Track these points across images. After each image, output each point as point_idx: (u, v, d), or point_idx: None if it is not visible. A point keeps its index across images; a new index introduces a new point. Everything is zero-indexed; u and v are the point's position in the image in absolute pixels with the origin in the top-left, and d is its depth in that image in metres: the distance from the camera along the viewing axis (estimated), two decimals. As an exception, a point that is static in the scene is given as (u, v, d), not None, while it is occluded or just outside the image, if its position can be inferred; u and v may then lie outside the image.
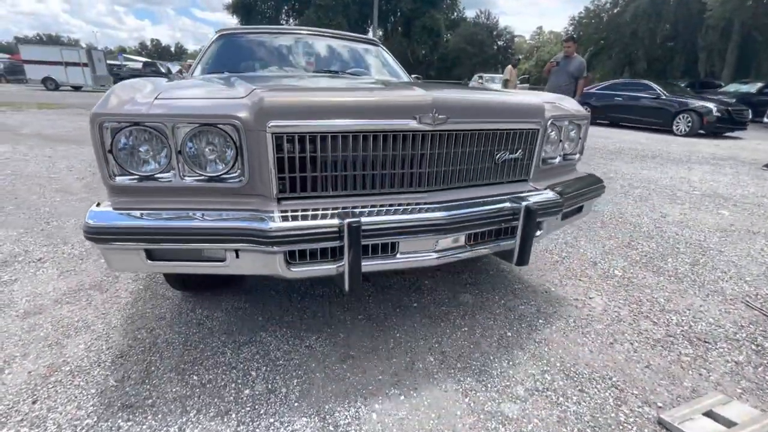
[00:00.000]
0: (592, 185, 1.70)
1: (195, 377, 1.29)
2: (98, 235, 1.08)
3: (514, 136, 1.42)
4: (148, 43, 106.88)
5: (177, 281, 1.68)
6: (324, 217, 1.12)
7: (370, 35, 23.87)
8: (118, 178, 1.12)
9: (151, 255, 1.12)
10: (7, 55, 32.28)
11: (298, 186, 1.18)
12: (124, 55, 41.72)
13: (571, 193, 1.50)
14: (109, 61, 21.89)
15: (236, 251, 1.12)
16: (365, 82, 1.89)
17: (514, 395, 1.26)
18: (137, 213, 1.11)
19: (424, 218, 1.18)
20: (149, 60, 23.40)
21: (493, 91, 1.80)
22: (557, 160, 1.64)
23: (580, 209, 1.69)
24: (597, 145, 6.88)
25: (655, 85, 9.53)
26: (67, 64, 18.11)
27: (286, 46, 2.99)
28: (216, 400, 1.20)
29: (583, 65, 5.45)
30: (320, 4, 20.14)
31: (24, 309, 1.64)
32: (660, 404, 1.23)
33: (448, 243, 1.29)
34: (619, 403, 1.24)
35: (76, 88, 18.65)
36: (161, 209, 1.13)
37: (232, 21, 24.47)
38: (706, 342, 1.56)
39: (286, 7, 24.23)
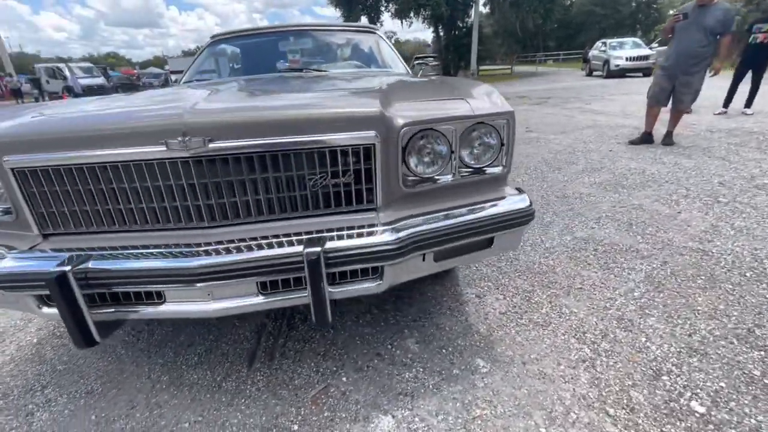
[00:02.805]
0: (501, 214, 1.17)
1: None
2: None
3: (333, 156, 1.04)
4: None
5: None
6: (45, 260, 0.98)
7: (472, 12, 22.06)
8: None
9: None
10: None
11: (65, 223, 1.06)
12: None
13: (432, 230, 1.08)
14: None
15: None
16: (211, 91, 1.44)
17: None
18: None
19: (174, 266, 0.95)
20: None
21: (306, 95, 1.42)
22: (448, 178, 1.18)
23: (488, 243, 1.21)
24: None
25: None
26: (200, 70, 21.00)
27: (271, 46, 2.70)
28: None
29: (728, 15, 3.71)
30: (416, -17, 19.18)
31: None
32: None
33: (231, 291, 1.01)
34: None
35: (208, 91, 21.56)
36: None
37: (335, 14, 25.28)
38: None
39: (386, -7, 23.91)
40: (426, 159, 1.15)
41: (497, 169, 1.23)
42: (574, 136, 5.16)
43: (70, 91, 18.09)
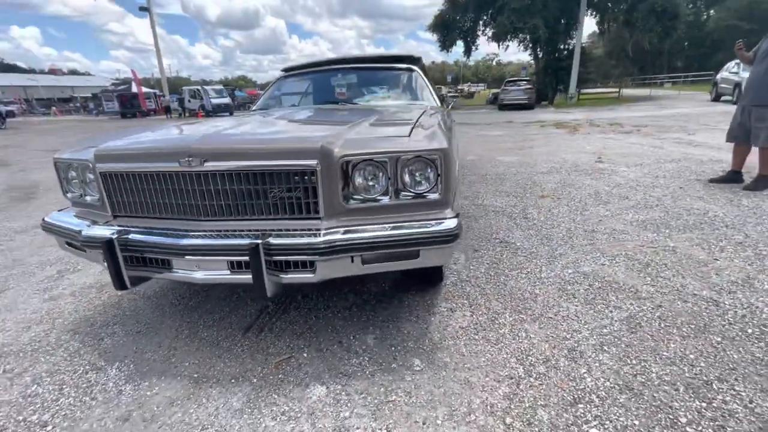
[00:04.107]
0: (424, 233, 1.39)
1: (31, 389, 1.54)
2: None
3: (286, 176, 1.40)
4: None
5: None
6: (107, 230, 1.51)
7: (575, 34, 20.85)
8: (68, 194, 1.82)
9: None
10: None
11: (125, 208, 1.59)
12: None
13: (357, 238, 1.36)
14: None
15: None
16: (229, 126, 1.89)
17: None
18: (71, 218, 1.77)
19: (173, 243, 1.42)
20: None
21: (269, 130, 1.84)
22: (386, 199, 1.45)
23: (415, 254, 1.43)
24: None
25: None
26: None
27: (325, 80, 3.23)
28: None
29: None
30: (514, 8, 18.90)
31: (50, 295, 2.32)
32: None
33: (210, 266, 1.43)
34: None
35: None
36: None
37: (432, 38, 26.24)
38: None
39: (484, 17, 24.06)
40: (370, 183, 1.44)
41: (434, 195, 1.46)
42: (648, 170, 4.77)
43: (204, 109, 21.92)
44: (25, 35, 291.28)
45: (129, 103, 26.51)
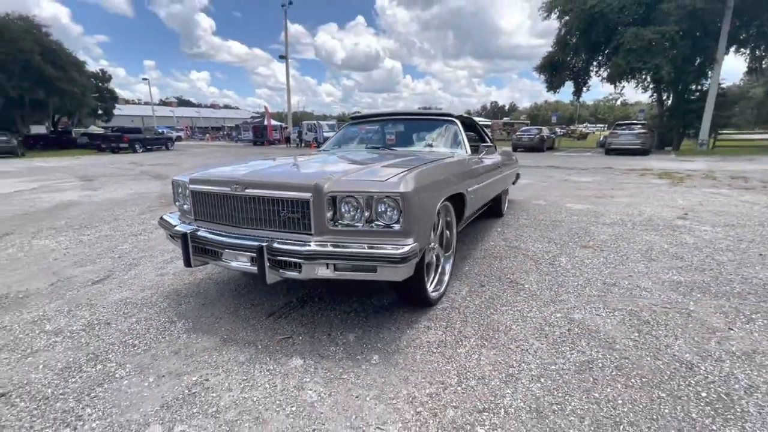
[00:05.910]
0: (378, 253, 1.85)
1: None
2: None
3: (290, 202, 1.98)
4: (488, 105, 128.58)
5: None
6: (186, 227, 2.34)
7: (713, 76, 18.33)
8: (176, 203, 2.58)
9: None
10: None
11: (201, 215, 2.35)
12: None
13: (328, 251, 1.88)
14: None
15: None
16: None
17: None
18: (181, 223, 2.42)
19: (218, 239, 2.14)
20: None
21: (288, 171, 2.47)
22: (360, 226, 1.93)
23: (374, 269, 1.86)
24: None
25: None
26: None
27: (377, 127, 3.88)
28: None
29: None
30: (630, 48, 17.64)
31: (161, 272, 3.30)
32: None
33: (242, 258, 2.09)
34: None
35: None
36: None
37: (539, 78, 25.78)
38: None
39: (599, 58, 22.91)
40: (352, 212, 1.95)
41: (397, 226, 1.90)
42: (736, 232, 4.27)
43: (317, 141, 25.05)
44: (199, 77, 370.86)
45: (260, 133, 31.77)
